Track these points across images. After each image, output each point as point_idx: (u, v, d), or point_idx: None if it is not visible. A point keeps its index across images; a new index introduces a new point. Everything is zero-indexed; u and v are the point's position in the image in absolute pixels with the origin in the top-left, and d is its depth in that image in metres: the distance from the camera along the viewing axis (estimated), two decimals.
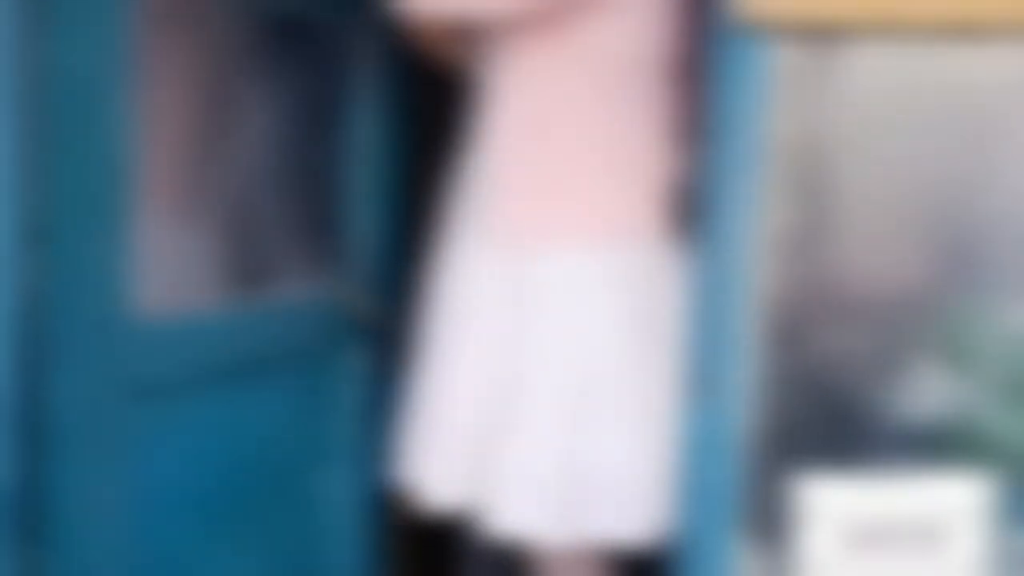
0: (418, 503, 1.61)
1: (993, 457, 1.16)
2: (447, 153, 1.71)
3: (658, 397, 1.44)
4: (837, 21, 1.08)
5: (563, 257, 1.49)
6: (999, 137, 1.15)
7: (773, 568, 1.15)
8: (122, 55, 1.34)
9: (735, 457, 1.14)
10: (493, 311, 1.52)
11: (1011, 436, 1.18)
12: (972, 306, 1.17)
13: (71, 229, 1.29)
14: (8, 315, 1.23)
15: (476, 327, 1.54)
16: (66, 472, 1.31)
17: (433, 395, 1.59)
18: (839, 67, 1.11)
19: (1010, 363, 1.18)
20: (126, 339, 1.38)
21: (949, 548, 1.14)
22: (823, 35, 1.10)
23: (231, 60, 1.60)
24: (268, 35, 1.64)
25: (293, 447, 1.70)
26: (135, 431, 1.40)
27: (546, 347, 1.48)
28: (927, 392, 1.17)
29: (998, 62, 1.12)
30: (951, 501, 1.14)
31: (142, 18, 1.36)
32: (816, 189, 1.14)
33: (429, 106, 1.93)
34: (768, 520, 1.15)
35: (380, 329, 1.81)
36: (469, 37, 1.59)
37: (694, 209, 1.32)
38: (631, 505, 1.47)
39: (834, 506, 1.13)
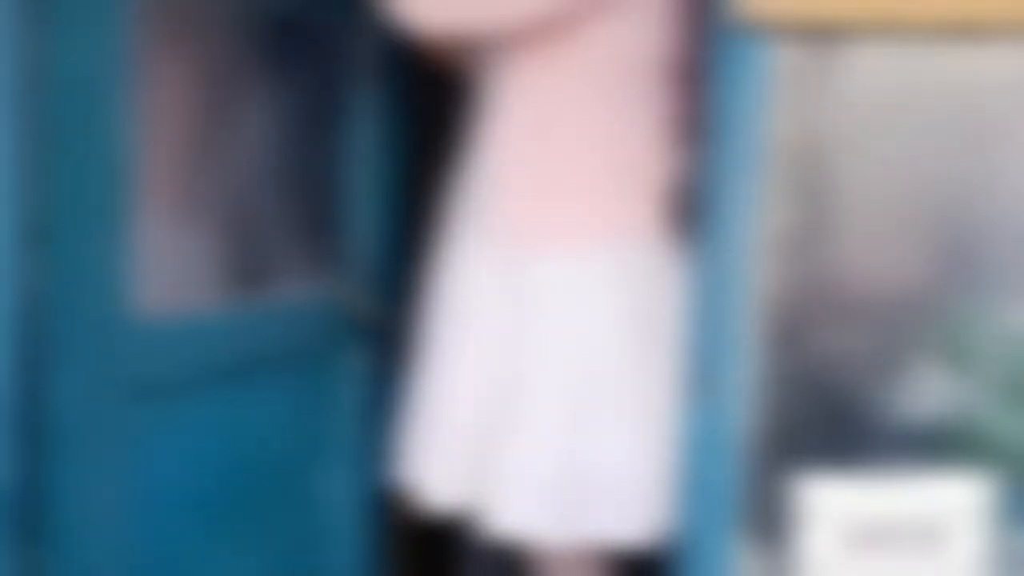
0: (418, 503, 1.61)
1: (993, 457, 1.16)
2: (447, 153, 1.71)
3: (658, 397, 1.44)
4: (837, 21, 1.08)
5: (563, 257, 1.49)
6: (999, 137, 1.15)
7: (773, 568, 1.15)
8: (122, 55, 1.34)
9: (735, 457, 1.14)
10: (493, 311, 1.52)
11: (1011, 436, 1.18)
12: (972, 306, 1.17)
13: (71, 229, 1.29)
14: (8, 315, 1.23)
15: (476, 327, 1.54)
16: (66, 472, 1.31)
17: (433, 395, 1.59)
18: (839, 67, 1.11)
19: (1010, 363, 1.18)
20: (126, 339, 1.38)
21: (949, 548, 1.14)
22: (823, 35, 1.10)
23: (231, 60, 1.60)
24: (268, 35, 1.64)
25: (293, 447, 1.70)
26: (135, 431, 1.40)
27: (546, 347, 1.48)
28: (927, 392, 1.17)
29: (998, 62, 1.12)
30: (951, 501, 1.14)
31: (142, 18, 1.36)
32: (816, 189, 1.14)
33: (429, 106, 1.93)
34: (768, 520, 1.15)
35: (380, 329, 1.81)
36: (472, 42, 1.58)
37: (694, 209, 1.32)
38: (631, 505, 1.47)
39: (834, 506, 1.13)
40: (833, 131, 1.13)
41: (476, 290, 1.55)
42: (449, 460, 1.56)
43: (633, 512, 1.47)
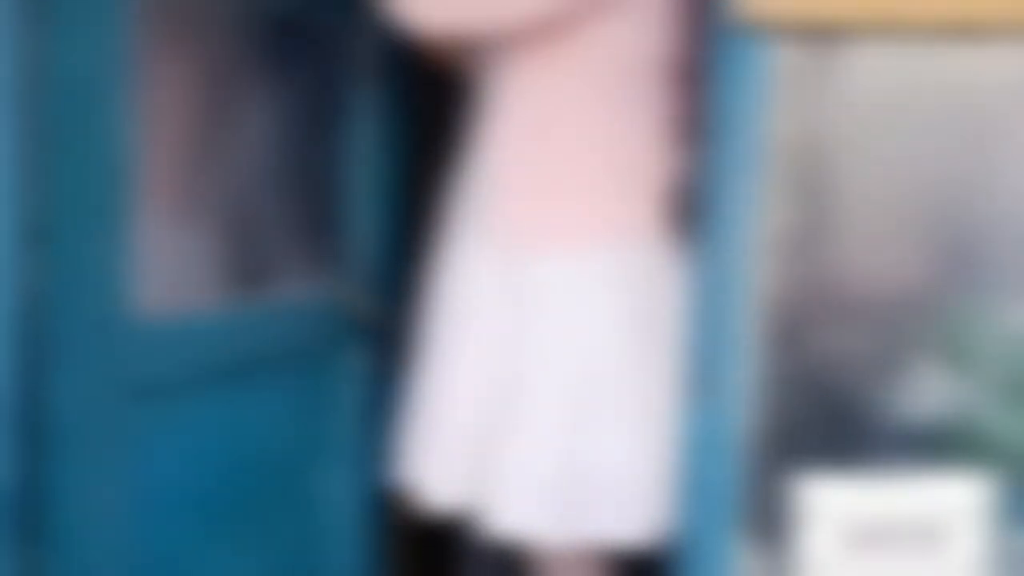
0: (418, 503, 1.61)
1: (993, 457, 1.16)
2: (447, 153, 1.71)
3: (658, 397, 1.44)
4: (837, 21, 1.08)
5: (563, 257, 1.49)
6: (999, 137, 1.15)
7: (773, 568, 1.15)
8: (122, 55, 1.34)
9: (735, 457, 1.14)
10: (493, 311, 1.52)
11: (1011, 436, 1.18)
12: (972, 306, 1.17)
13: (71, 229, 1.29)
14: (8, 315, 1.23)
15: (476, 327, 1.54)
16: (66, 472, 1.31)
17: (433, 395, 1.59)
18: (839, 67, 1.11)
19: (1010, 363, 1.18)
20: (126, 339, 1.38)
21: (949, 548, 1.14)
22: (823, 35, 1.10)
23: (231, 60, 1.60)
24: (268, 35, 1.64)
25: (293, 447, 1.70)
26: (135, 431, 1.40)
27: (546, 347, 1.48)
28: (927, 392, 1.17)
29: (998, 62, 1.12)
30: (951, 501, 1.14)
31: (142, 18, 1.36)
32: (816, 189, 1.14)
33: (429, 106, 1.93)
34: (768, 520, 1.15)
35: (380, 329, 1.81)
36: (472, 42, 1.58)
37: (694, 209, 1.32)
38: (631, 505, 1.47)
39: (834, 506, 1.13)
40: (833, 131, 1.13)
41: (476, 290, 1.55)
42: (449, 460, 1.56)
43: (633, 512, 1.47)
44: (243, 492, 1.59)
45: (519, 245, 1.51)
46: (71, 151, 1.28)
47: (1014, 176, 1.15)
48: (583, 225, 1.49)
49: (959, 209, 1.17)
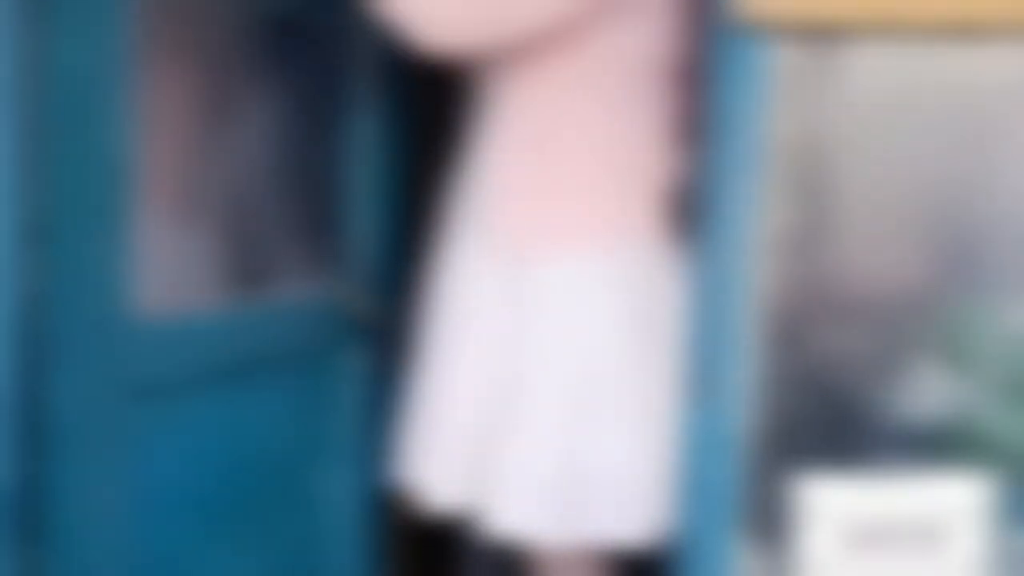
0: (418, 503, 1.61)
1: (993, 457, 1.16)
2: (447, 153, 1.71)
3: (658, 397, 1.44)
4: (837, 21, 1.08)
5: (563, 259, 1.49)
6: (999, 137, 1.15)
7: (773, 568, 1.15)
8: (122, 55, 1.34)
9: (735, 457, 1.14)
10: (493, 311, 1.52)
11: (1011, 436, 1.18)
12: (972, 306, 1.17)
13: (71, 229, 1.29)
14: (8, 315, 1.23)
15: (476, 327, 1.54)
16: (66, 472, 1.31)
17: (433, 395, 1.59)
18: (839, 67, 1.11)
19: (1010, 363, 1.18)
20: (126, 339, 1.38)
21: (949, 548, 1.14)
22: (823, 35, 1.10)
23: (231, 60, 1.60)
24: (268, 35, 1.64)
25: (293, 447, 1.70)
26: (135, 431, 1.40)
27: (546, 347, 1.48)
28: (927, 392, 1.17)
29: (998, 62, 1.12)
30: (951, 501, 1.14)
31: (142, 18, 1.36)
32: (816, 189, 1.14)
33: (429, 106, 1.93)
34: (768, 520, 1.15)
35: (380, 329, 1.81)
36: (489, 55, 1.55)
37: (694, 209, 1.32)
38: (631, 505, 1.47)
39: (834, 506, 1.13)
40: (833, 131, 1.13)
41: (476, 290, 1.55)
42: (449, 460, 1.56)
43: (633, 512, 1.47)
44: (243, 492, 1.59)
45: (519, 246, 1.51)
46: (71, 151, 1.28)
47: (1014, 176, 1.15)
48: (583, 226, 1.49)
49: (959, 209, 1.17)
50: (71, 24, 1.27)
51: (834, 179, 1.14)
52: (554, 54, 1.46)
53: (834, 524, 1.13)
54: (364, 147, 1.79)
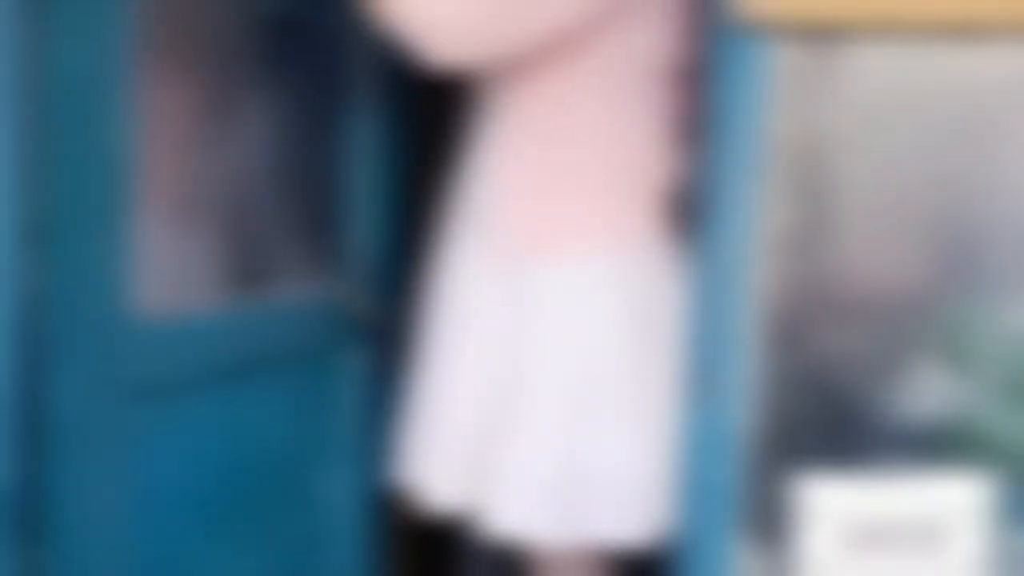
0: (418, 503, 1.61)
1: (993, 457, 1.16)
2: (447, 153, 1.71)
3: (658, 397, 1.44)
4: (837, 21, 1.08)
5: (564, 259, 1.49)
6: (999, 137, 1.15)
7: (773, 568, 1.15)
8: (122, 55, 1.34)
9: (735, 457, 1.14)
10: (493, 311, 1.52)
11: (1011, 436, 1.18)
12: (972, 306, 1.17)
13: (71, 229, 1.29)
14: (8, 315, 1.23)
15: (476, 327, 1.54)
16: (66, 472, 1.31)
17: (433, 395, 1.59)
18: (839, 67, 1.11)
19: (1010, 363, 1.18)
20: (126, 339, 1.38)
21: (949, 548, 1.14)
22: (823, 35, 1.10)
23: (231, 60, 1.60)
24: (268, 36, 1.64)
25: (293, 447, 1.70)
26: (135, 431, 1.40)
27: (546, 347, 1.48)
28: (927, 392, 1.17)
29: (998, 62, 1.12)
30: (951, 501, 1.14)
31: (142, 18, 1.36)
32: (816, 189, 1.14)
33: (429, 106, 1.93)
34: (768, 520, 1.15)
35: (380, 329, 1.81)
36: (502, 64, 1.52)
37: (694, 209, 1.32)
38: (631, 506, 1.47)
39: (834, 506, 1.13)
40: (833, 131, 1.13)
41: (476, 290, 1.55)
42: (449, 460, 1.56)
43: (633, 512, 1.47)
44: (243, 492, 1.59)
45: (520, 246, 1.51)
46: (71, 151, 1.28)
47: (1014, 176, 1.15)
48: (583, 227, 1.49)
49: (959, 209, 1.17)
50: (71, 24, 1.27)
51: (834, 179, 1.14)
52: (558, 57, 1.46)
53: (834, 524, 1.13)
54: (364, 147, 1.79)
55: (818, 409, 1.17)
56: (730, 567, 1.16)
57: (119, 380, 1.38)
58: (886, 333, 1.16)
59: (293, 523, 1.71)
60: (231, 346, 1.56)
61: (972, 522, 1.14)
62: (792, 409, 1.16)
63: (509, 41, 1.43)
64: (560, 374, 1.47)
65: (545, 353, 1.48)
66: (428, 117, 1.92)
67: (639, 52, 1.48)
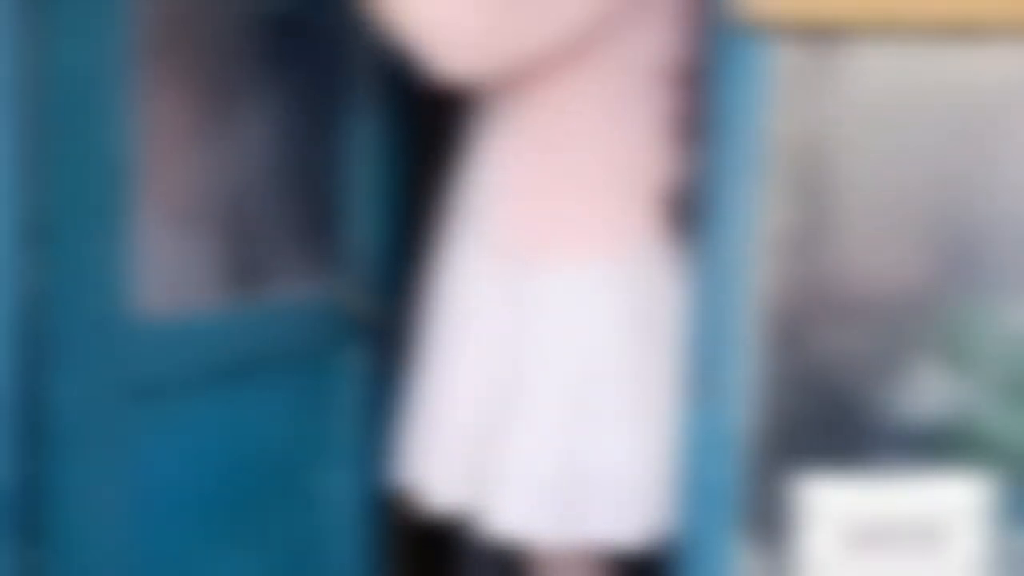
0: (418, 503, 1.61)
1: (993, 457, 1.16)
2: (448, 153, 1.71)
3: (658, 397, 1.44)
4: (837, 21, 1.08)
5: (564, 260, 1.49)
6: (999, 137, 1.15)
7: (773, 568, 1.15)
8: (122, 55, 1.34)
9: (735, 457, 1.14)
10: (493, 311, 1.52)
11: (1011, 436, 1.18)
12: (972, 306, 1.17)
13: (71, 229, 1.29)
14: (8, 315, 1.23)
15: (476, 327, 1.54)
16: (66, 472, 1.31)
17: (433, 395, 1.59)
18: (839, 67, 1.11)
19: (1010, 363, 1.18)
20: (126, 339, 1.38)
21: (949, 548, 1.14)
22: (823, 35, 1.10)
23: (231, 60, 1.60)
24: (268, 36, 1.64)
25: (293, 447, 1.70)
26: (135, 431, 1.40)
27: (546, 347, 1.48)
28: (927, 392, 1.17)
29: (998, 62, 1.12)
30: (951, 501, 1.14)
31: (142, 18, 1.36)
32: (816, 189, 1.14)
33: (429, 106, 1.93)
34: (768, 520, 1.15)
35: (380, 329, 1.81)
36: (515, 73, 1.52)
37: (694, 209, 1.32)
38: (631, 506, 1.47)
39: (834, 506, 1.13)
40: (833, 131, 1.13)
41: (476, 290, 1.55)
42: (449, 460, 1.56)
43: (633, 513, 1.47)
44: (243, 492, 1.59)
45: (520, 247, 1.50)
46: (71, 151, 1.28)
47: (1014, 176, 1.15)
48: (583, 229, 1.49)
49: (959, 209, 1.17)
50: (71, 24, 1.27)
51: (834, 179, 1.14)
52: (560, 62, 1.46)
53: (834, 524, 1.13)
54: (364, 147, 1.79)
55: (818, 409, 1.17)
56: (730, 567, 1.16)
57: (119, 380, 1.38)
58: (886, 333, 1.16)
59: (293, 523, 1.71)
60: (231, 346, 1.56)
61: (972, 522, 1.14)
62: (792, 409, 1.16)
63: (516, 54, 1.43)
64: (560, 374, 1.47)
65: (545, 353, 1.48)
66: (428, 117, 1.92)
67: (640, 55, 1.48)
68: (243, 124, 1.61)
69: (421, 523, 1.75)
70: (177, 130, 1.51)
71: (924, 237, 1.18)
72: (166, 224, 1.47)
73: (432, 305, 1.63)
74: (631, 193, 1.51)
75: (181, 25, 1.49)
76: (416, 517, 1.71)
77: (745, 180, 1.12)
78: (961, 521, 1.14)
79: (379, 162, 1.81)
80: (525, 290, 1.50)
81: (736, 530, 1.15)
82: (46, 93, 1.24)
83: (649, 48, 1.48)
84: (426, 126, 1.93)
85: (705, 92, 1.21)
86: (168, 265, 1.46)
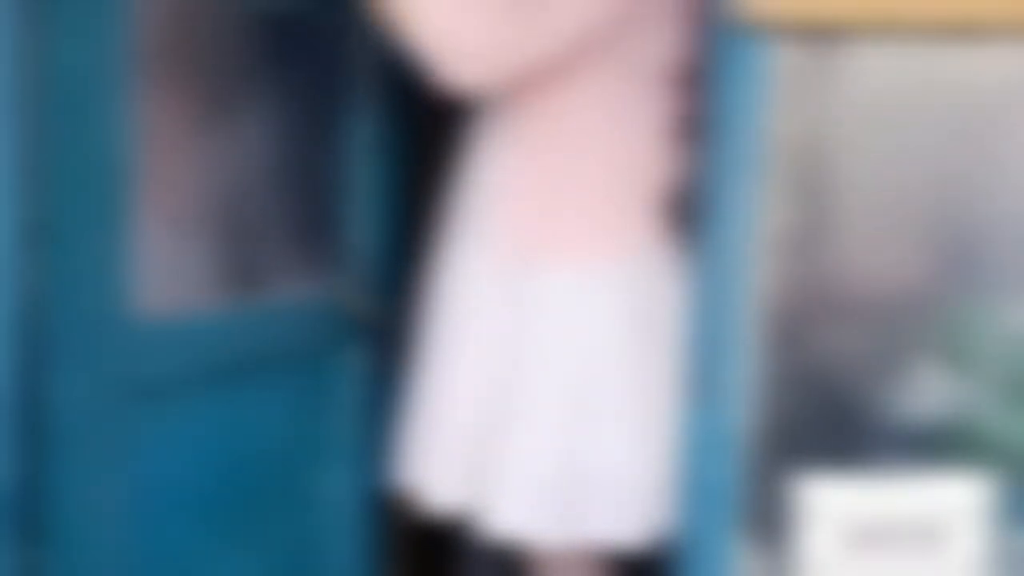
0: (418, 503, 1.61)
1: (993, 457, 1.16)
2: (448, 153, 1.71)
3: (658, 397, 1.44)
4: (837, 21, 1.08)
5: (565, 261, 1.49)
6: (999, 137, 1.15)
7: (773, 568, 1.15)
8: (122, 56, 1.34)
9: (735, 457, 1.14)
10: (493, 311, 1.52)
11: (1011, 436, 1.18)
12: (972, 306, 1.17)
13: (71, 229, 1.30)
14: (8, 315, 1.23)
15: (476, 327, 1.54)
16: (66, 472, 1.31)
17: (433, 395, 1.59)
18: (839, 67, 1.11)
19: (1010, 363, 1.18)
20: (126, 339, 1.38)
21: (949, 548, 1.14)
22: (823, 35, 1.10)
23: (231, 61, 1.60)
24: (268, 36, 1.64)
25: (293, 447, 1.70)
26: (135, 431, 1.40)
27: (546, 347, 1.48)
28: (927, 392, 1.17)
29: (998, 62, 1.12)
30: (951, 501, 1.14)
31: (142, 19, 1.36)
32: (816, 189, 1.14)
33: (429, 106, 1.93)
34: (768, 520, 1.15)
35: (380, 329, 1.81)
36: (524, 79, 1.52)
37: (694, 209, 1.32)
38: (630, 506, 1.47)
39: (834, 506, 1.13)
40: (833, 131, 1.13)
41: (476, 291, 1.55)
42: (449, 460, 1.56)
43: (632, 513, 1.47)
44: (243, 492, 1.59)
45: (520, 248, 1.50)
46: (71, 151, 1.28)
47: (1014, 176, 1.15)
48: (584, 229, 1.49)
49: (959, 209, 1.17)
50: (71, 24, 1.27)
51: (834, 179, 1.14)
52: (562, 66, 1.46)
53: (834, 524, 1.13)
54: (364, 147, 1.79)
55: (818, 409, 1.17)
56: (730, 567, 1.16)
57: (119, 380, 1.38)
58: (886, 333, 1.16)
59: (293, 523, 1.71)
60: (231, 346, 1.56)
61: (972, 522, 1.14)
62: (792, 409, 1.16)
63: (523, 65, 1.43)
64: (560, 374, 1.47)
65: (545, 353, 1.48)
66: (428, 117, 1.92)
67: (641, 56, 1.48)
68: (243, 124, 1.61)
69: (421, 523, 1.75)
70: (177, 130, 1.51)
71: (924, 237, 1.18)
72: (166, 224, 1.47)
73: (432, 305, 1.63)
74: (631, 193, 1.51)
75: (181, 26, 1.49)
76: (416, 517, 1.71)
77: (745, 180, 1.12)
78: (961, 521, 1.14)
79: (379, 162, 1.81)
80: (525, 290, 1.50)
81: (736, 530, 1.15)
82: (46, 93, 1.24)
83: (650, 49, 1.48)
84: (426, 126, 1.93)
85: (705, 92, 1.21)
86: (168, 265, 1.46)
